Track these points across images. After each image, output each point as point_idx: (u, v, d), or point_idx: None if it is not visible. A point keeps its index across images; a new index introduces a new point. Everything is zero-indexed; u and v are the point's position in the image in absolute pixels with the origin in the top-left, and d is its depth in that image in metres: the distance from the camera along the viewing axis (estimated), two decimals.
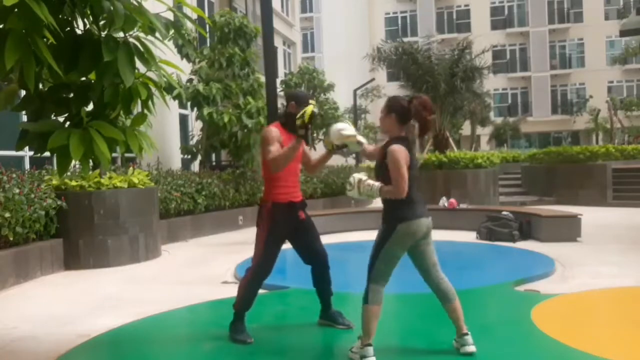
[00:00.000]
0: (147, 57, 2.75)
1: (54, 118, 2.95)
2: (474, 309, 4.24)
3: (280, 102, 7.75)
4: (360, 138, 3.56)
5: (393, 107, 3.31)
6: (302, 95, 3.86)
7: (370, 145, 3.64)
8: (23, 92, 2.90)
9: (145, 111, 3.00)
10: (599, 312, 4.54)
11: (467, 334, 3.32)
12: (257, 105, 11.25)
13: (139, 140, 2.89)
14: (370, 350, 3.20)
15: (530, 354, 3.43)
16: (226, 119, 10.90)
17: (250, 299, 3.80)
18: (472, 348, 3.28)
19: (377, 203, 3.46)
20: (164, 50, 3.21)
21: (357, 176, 3.30)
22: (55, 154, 2.72)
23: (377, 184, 3.24)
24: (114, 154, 2.92)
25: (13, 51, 2.18)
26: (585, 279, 5.54)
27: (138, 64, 2.74)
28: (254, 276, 3.76)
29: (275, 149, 3.60)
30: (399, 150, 3.19)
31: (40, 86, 2.87)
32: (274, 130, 3.73)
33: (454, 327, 3.38)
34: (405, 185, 3.15)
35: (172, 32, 2.82)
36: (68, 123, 2.86)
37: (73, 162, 2.73)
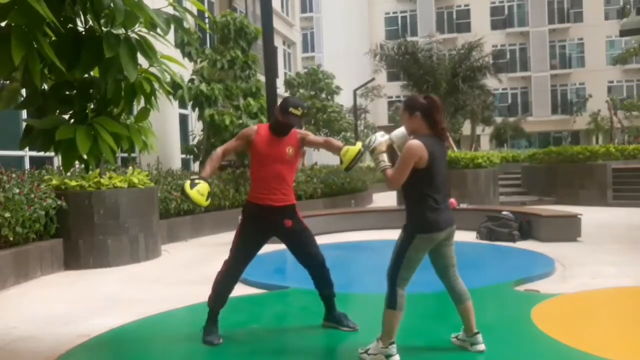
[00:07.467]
0: (149, 52, 2.75)
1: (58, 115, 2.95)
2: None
3: None
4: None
5: (416, 106, 3.23)
6: (290, 102, 3.69)
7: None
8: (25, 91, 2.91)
9: (148, 106, 3.00)
10: (599, 312, 4.54)
11: (477, 333, 3.38)
12: (257, 105, 11.25)
13: (142, 136, 2.90)
14: (393, 348, 3.23)
15: (530, 354, 3.44)
16: (227, 121, 10.89)
17: (224, 294, 3.79)
18: (482, 347, 3.35)
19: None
20: (168, 47, 3.21)
21: (379, 139, 3.25)
22: (60, 149, 2.72)
23: (384, 164, 3.22)
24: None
25: (19, 47, 2.18)
26: (585, 279, 5.54)
27: (141, 59, 2.74)
28: (226, 270, 3.78)
29: (227, 144, 3.77)
30: (413, 147, 3.09)
31: (44, 84, 2.88)
32: (251, 129, 3.81)
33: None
34: (398, 181, 3.14)
35: (173, 28, 2.82)
36: (72, 120, 2.86)
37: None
